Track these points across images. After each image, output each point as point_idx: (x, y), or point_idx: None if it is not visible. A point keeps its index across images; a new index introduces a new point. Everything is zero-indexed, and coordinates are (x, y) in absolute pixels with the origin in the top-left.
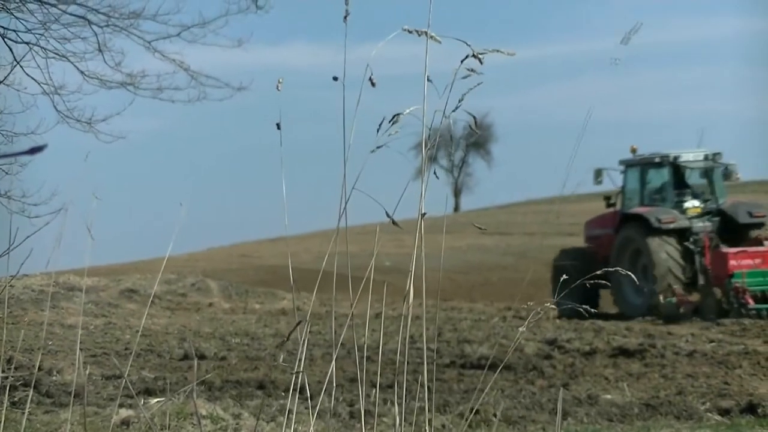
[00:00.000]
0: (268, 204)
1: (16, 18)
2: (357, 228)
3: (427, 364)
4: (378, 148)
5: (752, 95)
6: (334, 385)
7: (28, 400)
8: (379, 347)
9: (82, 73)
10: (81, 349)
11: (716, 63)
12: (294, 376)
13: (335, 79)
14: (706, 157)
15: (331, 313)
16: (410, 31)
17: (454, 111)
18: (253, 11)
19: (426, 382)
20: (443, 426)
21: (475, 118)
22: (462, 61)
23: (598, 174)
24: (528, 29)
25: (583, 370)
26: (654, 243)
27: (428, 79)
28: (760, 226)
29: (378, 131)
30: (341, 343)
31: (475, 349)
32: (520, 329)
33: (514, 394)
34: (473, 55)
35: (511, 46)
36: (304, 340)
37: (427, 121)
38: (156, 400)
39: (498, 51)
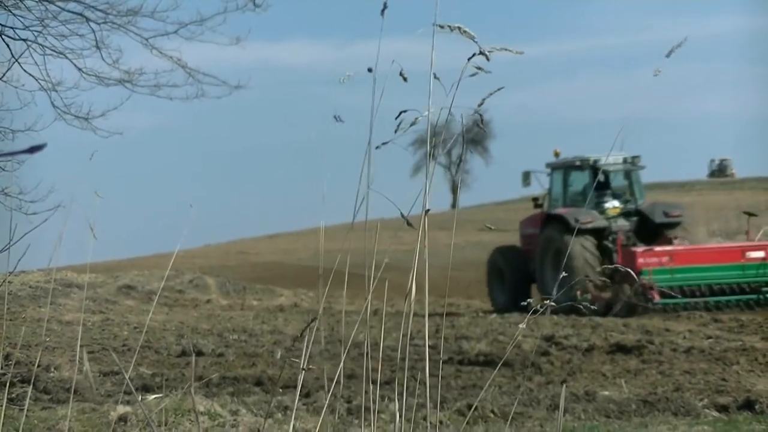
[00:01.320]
0: (266, 201)
1: (14, 15)
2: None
3: (422, 360)
4: (384, 144)
5: (750, 93)
6: (341, 383)
7: (27, 397)
8: (379, 344)
9: (79, 70)
10: (80, 346)
11: (715, 61)
12: (293, 373)
13: (370, 70)
14: (625, 160)
15: (329, 309)
16: (442, 27)
17: (478, 107)
18: (251, 9)
19: (427, 379)
20: (441, 422)
21: (482, 116)
22: (469, 59)
23: (526, 177)
24: (526, 27)
25: (580, 367)
26: (572, 242)
27: (435, 76)
28: (675, 225)
29: (396, 131)
30: (339, 340)
31: (473, 346)
32: (520, 326)
33: (511, 391)
34: (480, 52)
35: (510, 44)
36: (309, 338)
37: (432, 118)
38: (154, 396)
39: (506, 49)
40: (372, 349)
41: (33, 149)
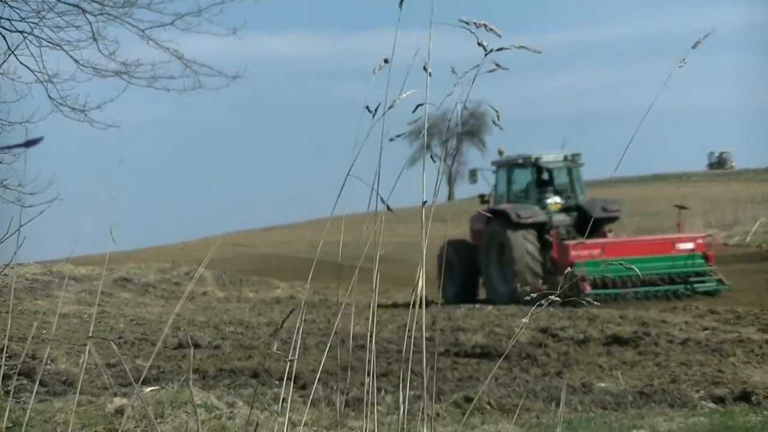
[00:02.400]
0: (262, 193)
1: (10, 6)
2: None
3: (418, 352)
4: (398, 136)
5: (751, 85)
6: (337, 374)
7: (24, 389)
8: (373, 336)
9: (76, 61)
10: (89, 338)
11: (716, 52)
12: (288, 364)
13: (386, 61)
14: (565, 158)
15: (325, 302)
16: (467, 23)
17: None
18: None
19: (425, 371)
20: (437, 414)
21: (497, 111)
22: (486, 54)
23: (473, 174)
24: (522, 19)
25: (576, 359)
26: (514, 236)
27: (452, 71)
28: (613, 220)
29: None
30: (335, 332)
31: (470, 338)
32: (523, 320)
33: (508, 383)
34: (478, 45)
35: (507, 36)
36: (298, 329)
37: (432, 111)
38: (150, 388)
39: (524, 47)
40: (367, 341)
41: (29, 143)
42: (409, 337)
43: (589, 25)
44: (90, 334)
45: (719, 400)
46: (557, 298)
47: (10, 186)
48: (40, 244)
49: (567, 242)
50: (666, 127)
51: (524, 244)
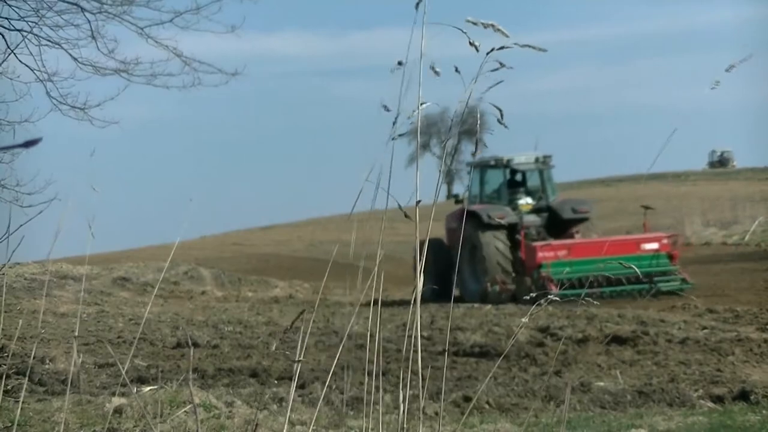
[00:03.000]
0: (261, 192)
1: (9, 5)
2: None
3: (418, 351)
4: (400, 135)
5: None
6: (336, 374)
7: (22, 389)
8: (374, 336)
9: (75, 60)
10: (75, 337)
11: (714, 50)
12: (287, 364)
13: (400, 63)
14: (536, 160)
15: (324, 301)
16: (475, 23)
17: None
18: None
19: (422, 370)
20: (436, 413)
21: (501, 110)
22: (488, 53)
23: (448, 174)
24: (522, 17)
25: (575, 358)
26: (485, 236)
27: (456, 69)
28: (583, 221)
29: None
30: (334, 331)
31: (468, 337)
32: (523, 320)
33: (506, 382)
34: (470, 45)
35: (449, 26)
36: (301, 329)
37: (430, 110)
38: (149, 388)
39: (529, 46)
40: (366, 340)
41: (28, 143)
42: (409, 337)
43: (588, 24)
44: (76, 334)
45: (718, 399)
46: (556, 298)
47: (8, 185)
48: (39, 244)
49: (534, 243)
50: (665, 126)
51: (494, 244)
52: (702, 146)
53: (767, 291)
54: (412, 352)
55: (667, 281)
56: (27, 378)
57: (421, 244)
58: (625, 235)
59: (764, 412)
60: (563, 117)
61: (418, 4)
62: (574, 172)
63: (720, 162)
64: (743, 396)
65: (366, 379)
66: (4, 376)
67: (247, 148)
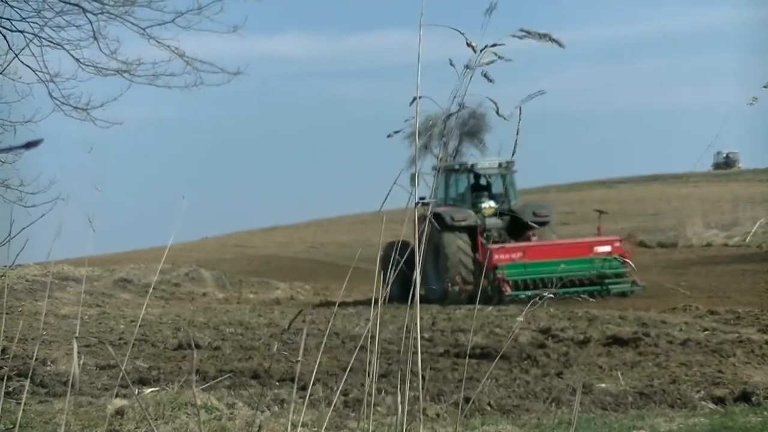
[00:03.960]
0: (262, 194)
1: (11, 6)
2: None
3: (421, 353)
4: (395, 132)
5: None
6: (337, 375)
7: (24, 391)
8: (375, 337)
9: (77, 60)
10: (76, 338)
11: (715, 52)
12: (288, 365)
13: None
14: (500, 165)
15: (324, 302)
16: (529, 32)
17: (520, 103)
18: None
19: (420, 371)
20: (437, 415)
21: (496, 103)
22: (491, 46)
23: (413, 178)
24: (522, 19)
25: (577, 359)
26: (448, 238)
27: (450, 63)
28: (543, 224)
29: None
30: (335, 333)
31: (470, 338)
32: (518, 319)
33: (508, 383)
34: (469, 45)
35: (504, 35)
36: (303, 330)
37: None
38: (150, 389)
39: (548, 37)
40: (367, 341)
41: (30, 144)
42: (408, 338)
43: (588, 25)
44: (77, 335)
45: (719, 400)
46: (551, 296)
47: (11, 186)
48: (42, 245)
49: (490, 246)
50: (667, 126)
51: (456, 245)
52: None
53: None
54: (411, 353)
55: (618, 283)
56: (29, 380)
57: (388, 245)
58: (579, 238)
59: (765, 413)
60: (563, 117)
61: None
62: (574, 173)
63: (726, 163)
64: (744, 397)
65: (367, 381)
66: (5, 378)
67: (248, 148)
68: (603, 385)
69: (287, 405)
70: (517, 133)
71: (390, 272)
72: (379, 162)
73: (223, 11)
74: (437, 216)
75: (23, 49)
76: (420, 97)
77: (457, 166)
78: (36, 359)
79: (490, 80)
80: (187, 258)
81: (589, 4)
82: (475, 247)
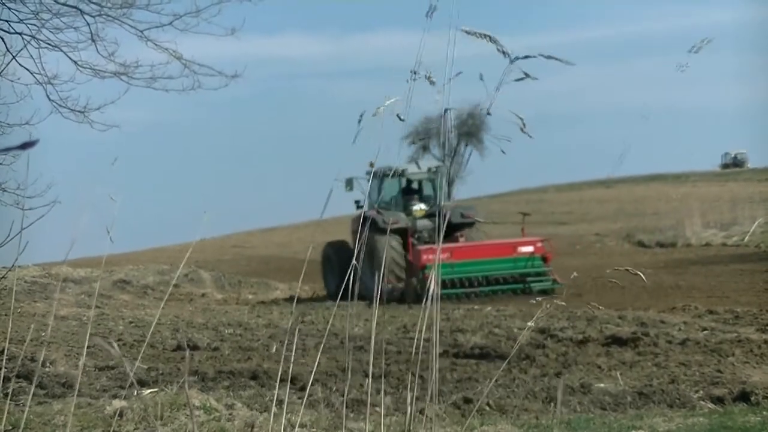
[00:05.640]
0: (260, 194)
1: (8, 8)
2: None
3: (421, 353)
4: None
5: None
6: (336, 375)
7: (23, 392)
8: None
9: (75, 63)
10: (72, 340)
11: (715, 51)
12: (288, 366)
13: (481, 78)
14: (429, 170)
15: (323, 303)
16: (469, 32)
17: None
18: None
19: (431, 372)
20: (437, 415)
21: (522, 118)
22: (512, 61)
23: (349, 182)
24: (523, 18)
25: (576, 359)
26: (381, 240)
27: (480, 78)
28: (471, 225)
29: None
30: (334, 334)
31: (468, 339)
32: (529, 324)
33: (507, 383)
34: (500, 53)
35: (505, 36)
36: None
37: (434, 113)
38: (149, 390)
39: (553, 58)
40: (366, 342)
41: (25, 145)
42: (411, 339)
43: (589, 26)
44: (83, 337)
45: (718, 400)
46: (562, 303)
47: (8, 189)
48: (40, 247)
49: (419, 247)
50: (667, 126)
51: (389, 246)
52: (701, 147)
53: (767, 292)
54: (413, 354)
55: (540, 281)
56: (33, 384)
57: (327, 245)
58: (503, 239)
59: (765, 413)
60: (563, 118)
61: (428, 13)
62: (574, 174)
63: (734, 164)
64: (743, 397)
65: (366, 381)
66: (3, 379)
67: (246, 149)
68: (602, 384)
69: (284, 406)
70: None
71: (326, 270)
72: (379, 163)
73: (221, 13)
74: (371, 219)
75: (21, 50)
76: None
77: (388, 171)
78: (35, 360)
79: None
80: (186, 259)
81: (587, 3)
82: (406, 248)
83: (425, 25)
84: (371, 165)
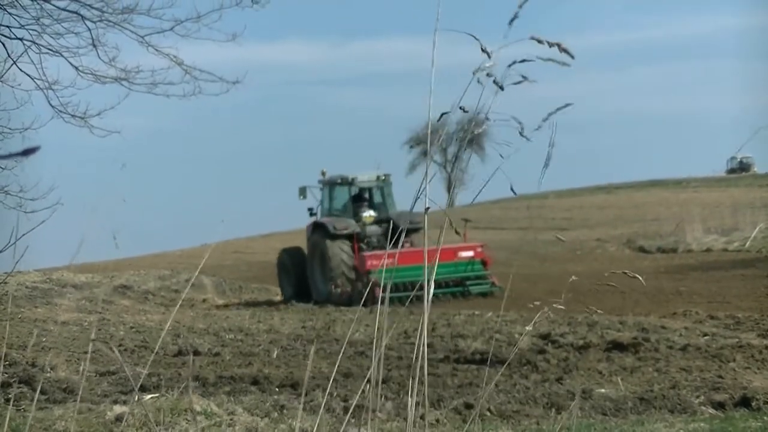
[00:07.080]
0: (261, 200)
1: (9, 14)
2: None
3: (421, 359)
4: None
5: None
6: (337, 381)
7: (24, 397)
8: (374, 343)
9: (76, 68)
10: (73, 345)
11: (714, 57)
12: (288, 372)
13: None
14: (378, 178)
15: (324, 308)
16: (540, 41)
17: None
18: (248, 5)
19: (419, 377)
20: (437, 421)
21: (521, 124)
22: (509, 66)
23: (302, 191)
24: (523, 24)
25: (576, 365)
26: (331, 245)
27: (497, 85)
28: (418, 230)
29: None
30: (335, 339)
31: (469, 344)
32: (527, 328)
33: (508, 389)
34: (482, 52)
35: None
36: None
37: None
38: (150, 396)
39: (552, 60)
40: (367, 348)
41: (27, 152)
42: (412, 344)
43: (588, 32)
44: (84, 342)
45: (719, 405)
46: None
47: (11, 192)
48: (41, 252)
49: (364, 252)
50: (668, 132)
51: (339, 252)
52: (703, 153)
53: None
54: (414, 360)
55: (479, 284)
56: (37, 391)
57: (282, 252)
58: (444, 245)
59: (765, 418)
60: (563, 123)
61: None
62: (575, 179)
63: (741, 168)
64: (744, 402)
65: (367, 387)
66: (5, 385)
67: (247, 155)
68: (603, 390)
69: (287, 411)
70: (551, 146)
71: (281, 275)
72: (380, 168)
73: (222, 19)
74: (322, 225)
75: (21, 56)
76: (446, 113)
77: (339, 180)
78: (35, 366)
79: (501, 88)
80: (186, 264)
81: (587, 11)
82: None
83: (433, 29)
84: (323, 174)
